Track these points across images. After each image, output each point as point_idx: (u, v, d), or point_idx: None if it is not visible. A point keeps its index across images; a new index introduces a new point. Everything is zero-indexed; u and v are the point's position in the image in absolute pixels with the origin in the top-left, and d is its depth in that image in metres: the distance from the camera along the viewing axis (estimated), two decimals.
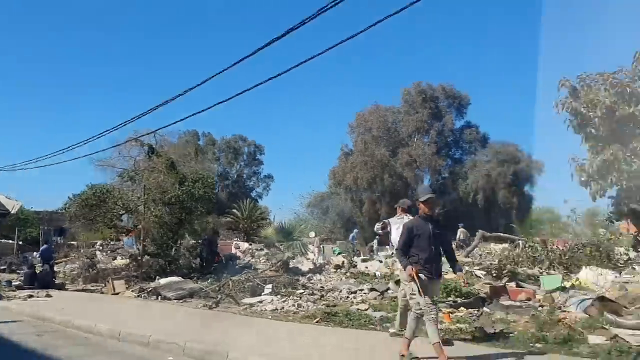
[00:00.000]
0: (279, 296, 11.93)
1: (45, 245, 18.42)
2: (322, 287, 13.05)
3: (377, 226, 7.95)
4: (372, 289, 12.03)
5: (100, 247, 22.55)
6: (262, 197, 56.65)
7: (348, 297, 11.97)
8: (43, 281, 16.05)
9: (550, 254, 15.05)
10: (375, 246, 27.07)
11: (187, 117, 13.83)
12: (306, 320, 9.19)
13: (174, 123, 16.91)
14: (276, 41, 8.61)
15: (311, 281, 13.77)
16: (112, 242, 22.78)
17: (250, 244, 27.12)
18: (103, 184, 17.15)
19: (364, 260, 17.43)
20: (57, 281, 16.88)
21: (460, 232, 23.94)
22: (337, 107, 75.54)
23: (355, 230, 25.49)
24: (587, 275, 13.08)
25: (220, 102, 11.10)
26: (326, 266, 15.47)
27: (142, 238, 16.56)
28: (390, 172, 37.73)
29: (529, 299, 10.63)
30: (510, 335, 6.72)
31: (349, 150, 40.67)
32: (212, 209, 18.29)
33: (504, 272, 14.46)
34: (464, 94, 39.60)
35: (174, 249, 17.41)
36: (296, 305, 10.82)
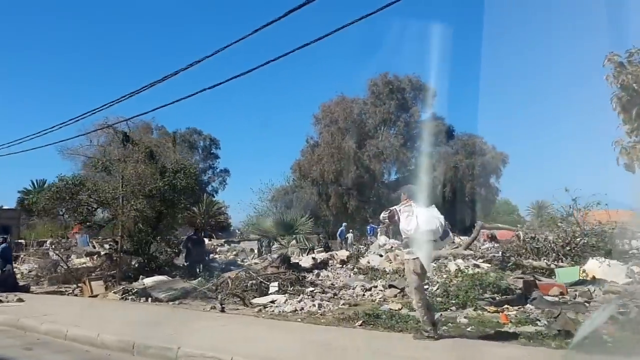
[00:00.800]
0: (286, 295, 10.84)
1: (4, 244, 16.36)
2: (332, 284, 12.03)
3: (384, 215, 7.17)
4: (390, 286, 11.12)
5: (52, 246, 20.59)
6: (218, 192, 55.16)
7: (364, 295, 11.04)
8: (6, 283, 14.18)
9: (553, 245, 14.68)
10: (350, 239, 26.44)
11: (158, 108, 12.68)
12: (344, 323, 8.16)
13: (148, 112, 15.67)
14: (243, 40, 8.33)
15: (319, 278, 12.72)
16: (63, 240, 20.93)
17: (210, 240, 25.83)
18: (75, 175, 15.42)
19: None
20: (20, 283, 15.02)
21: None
22: (298, 99, 74.37)
23: (345, 224, 24.56)
24: (595, 266, 12.74)
25: (185, 97, 10.55)
26: (330, 261, 14.48)
27: (120, 234, 15.08)
28: (357, 165, 37.18)
29: (562, 294, 10.06)
30: (608, 341, 5.86)
31: (315, 142, 39.88)
32: (196, 201, 16.99)
33: (509, 264, 14.01)
34: (430, 86, 39.39)
35: (153, 246, 15.99)
36: (317, 306, 9.76)
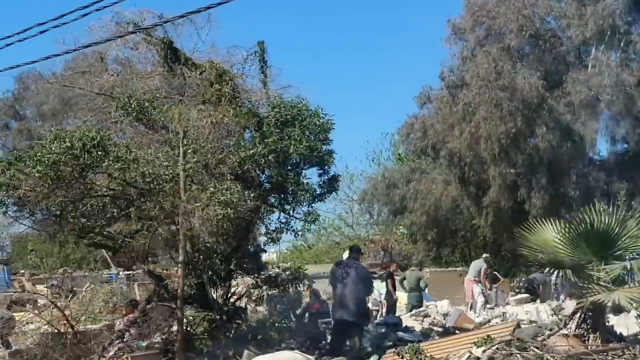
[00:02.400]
0: None
1: None
2: None
3: None
4: None
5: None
6: None
7: None
8: None
9: None
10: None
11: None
12: None
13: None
14: None
15: None
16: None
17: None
18: (91, 128, 14.14)
19: None
20: None
21: None
22: None
23: None
24: None
25: None
26: None
27: (183, 259, 13.72)
28: (547, 122, 35.25)
29: None
30: None
31: (458, 78, 38.45)
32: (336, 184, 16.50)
33: None
34: None
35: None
36: None
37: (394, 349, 12.83)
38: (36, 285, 31.96)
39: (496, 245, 39.49)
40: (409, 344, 12.80)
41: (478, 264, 25.20)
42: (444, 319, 19.86)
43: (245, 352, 13.26)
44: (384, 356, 13.23)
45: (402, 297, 23.52)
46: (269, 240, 16.64)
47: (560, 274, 13.89)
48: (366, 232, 50.57)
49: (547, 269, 26.32)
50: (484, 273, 24.61)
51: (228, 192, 13.30)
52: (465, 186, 38.12)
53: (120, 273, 33.64)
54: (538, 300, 24.69)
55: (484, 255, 26.88)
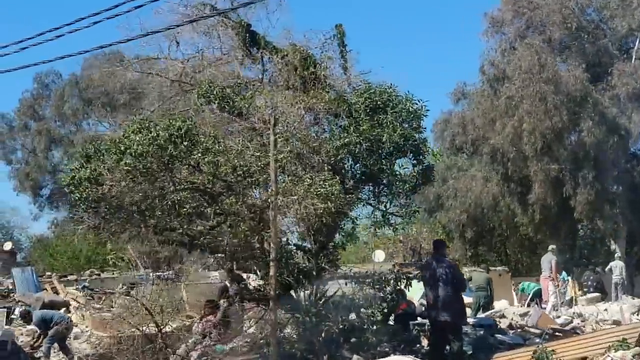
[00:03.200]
0: None
1: None
2: None
3: None
4: None
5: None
6: None
7: None
8: None
9: None
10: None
11: None
12: None
13: None
14: None
15: None
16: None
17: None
18: (177, 117, 13.12)
19: None
20: None
21: None
22: None
23: None
24: None
25: None
26: None
27: (275, 256, 12.44)
28: (591, 116, 33.98)
29: None
30: None
31: (500, 72, 37.17)
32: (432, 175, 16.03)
33: None
34: None
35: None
36: None
37: (529, 350, 11.77)
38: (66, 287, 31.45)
39: (533, 243, 38.63)
40: (539, 346, 11.92)
41: (548, 258, 24.10)
42: (522, 319, 18.91)
43: (355, 356, 12.36)
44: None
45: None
46: (347, 237, 15.77)
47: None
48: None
49: (607, 267, 25.94)
50: (556, 265, 23.63)
51: (326, 183, 12.51)
52: (507, 183, 37.24)
53: (150, 274, 33.08)
54: (617, 299, 23.87)
55: (550, 247, 25.62)
